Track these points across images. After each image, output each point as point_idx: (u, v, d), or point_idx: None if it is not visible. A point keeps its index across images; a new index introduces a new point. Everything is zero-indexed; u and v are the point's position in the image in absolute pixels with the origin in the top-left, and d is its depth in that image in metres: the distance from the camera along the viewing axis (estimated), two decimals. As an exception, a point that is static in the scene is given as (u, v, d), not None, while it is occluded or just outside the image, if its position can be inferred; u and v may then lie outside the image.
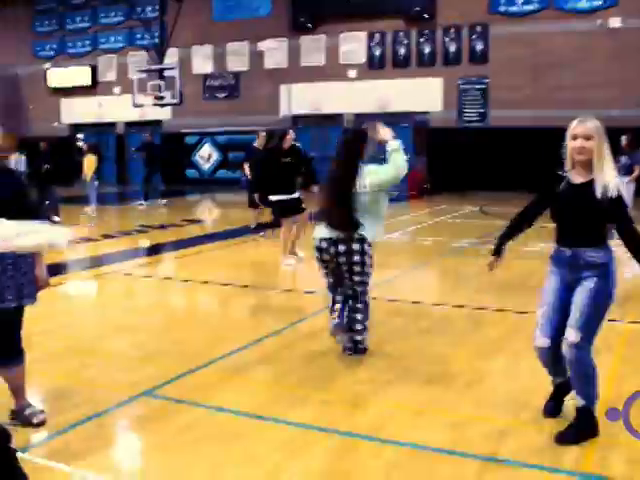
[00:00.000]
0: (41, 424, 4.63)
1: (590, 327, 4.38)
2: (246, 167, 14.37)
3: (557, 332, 4.51)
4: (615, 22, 23.33)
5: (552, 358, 4.60)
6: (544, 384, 4.91)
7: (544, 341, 4.55)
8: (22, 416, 4.66)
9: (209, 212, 21.50)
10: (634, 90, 22.67)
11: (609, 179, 4.30)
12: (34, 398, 4.94)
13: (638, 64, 22.70)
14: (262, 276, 10.35)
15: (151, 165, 21.92)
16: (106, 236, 14.36)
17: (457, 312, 8.06)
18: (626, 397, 4.70)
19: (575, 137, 4.33)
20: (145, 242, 14.27)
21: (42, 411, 4.73)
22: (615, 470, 4.06)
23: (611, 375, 5.66)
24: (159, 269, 11.28)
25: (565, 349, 4.40)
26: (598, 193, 4.27)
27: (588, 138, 4.29)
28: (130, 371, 5.85)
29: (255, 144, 14.38)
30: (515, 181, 22.35)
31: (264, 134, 13.85)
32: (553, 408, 4.82)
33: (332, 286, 6.35)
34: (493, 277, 10.13)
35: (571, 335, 4.36)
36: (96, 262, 11.62)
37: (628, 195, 13.73)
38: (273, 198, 10.75)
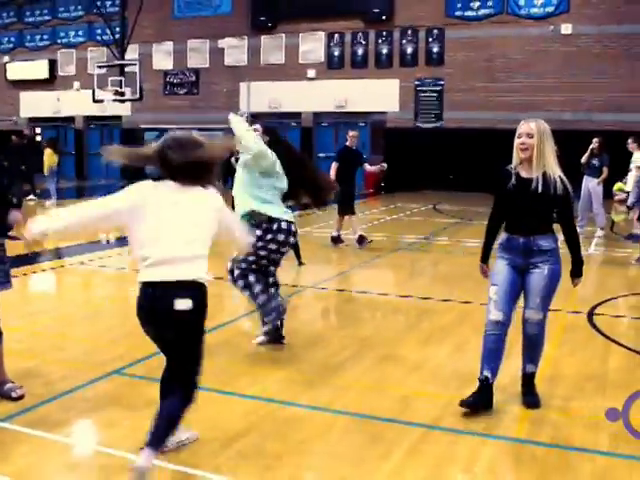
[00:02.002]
0: (20, 398, 4.97)
1: (546, 304, 5.01)
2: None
3: (509, 310, 4.98)
4: (567, 28, 24.08)
5: (500, 337, 4.96)
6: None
7: (498, 314, 4.94)
8: (2, 391, 5.00)
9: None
10: (585, 94, 23.45)
11: (553, 174, 4.83)
12: (10, 377, 5.27)
13: (589, 69, 23.49)
14: (222, 267, 10.70)
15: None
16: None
17: (407, 302, 8.55)
18: (563, 374, 5.24)
19: (520, 135, 4.88)
20: (106, 235, 14.51)
21: (21, 387, 5.07)
22: (544, 436, 4.55)
23: (548, 356, 6.18)
24: (120, 261, 11.57)
25: (528, 327, 5.00)
26: (544, 187, 4.79)
27: (530, 136, 4.81)
28: (99, 353, 6.20)
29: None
30: (468, 181, 23.03)
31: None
32: (471, 404, 4.87)
33: (271, 272, 6.52)
34: (441, 270, 10.69)
35: (534, 315, 4.96)
36: (59, 254, 11.87)
37: (597, 196, 14.31)
38: None
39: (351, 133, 12.90)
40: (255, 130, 6.31)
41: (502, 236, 5.13)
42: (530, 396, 5.07)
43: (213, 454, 4.22)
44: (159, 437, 3.73)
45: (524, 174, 4.91)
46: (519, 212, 4.94)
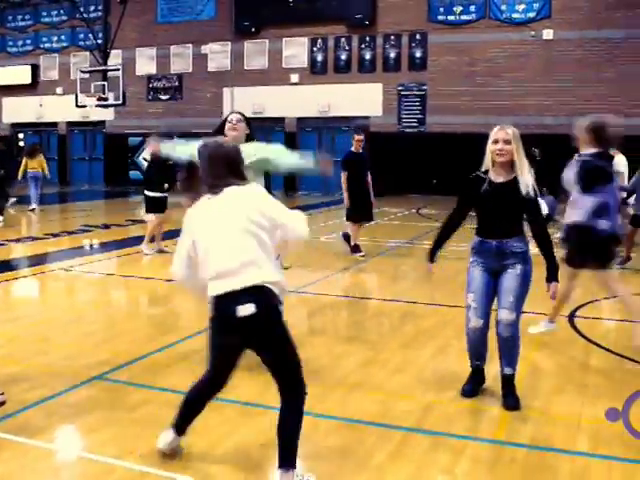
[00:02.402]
0: (1, 404, 4.96)
1: (520, 305, 5.08)
2: None
3: (487, 314, 5.16)
4: (548, 34, 24.26)
5: (482, 338, 5.21)
6: (468, 369, 5.43)
7: (479, 321, 5.14)
8: (-17, 397, 4.99)
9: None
10: (566, 99, 23.62)
11: (529, 179, 4.95)
12: (-8, 381, 5.28)
13: (570, 74, 23.67)
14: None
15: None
16: (50, 235, 14.55)
17: (390, 305, 8.59)
18: (544, 376, 5.29)
19: (496, 141, 4.97)
20: (89, 241, 14.49)
21: (2, 393, 5.05)
22: (524, 437, 4.59)
23: (528, 358, 6.23)
24: (104, 266, 11.54)
25: (502, 328, 5.04)
26: (523, 190, 4.90)
27: (507, 142, 4.91)
28: (82, 358, 6.19)
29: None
30: (451, 185, 23.07)
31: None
32: (471, 391, 5.33)
33: None
34: (424, 275, 10.71)
35: (507, 316, 5.02)
36: (41, 260, 11.84)
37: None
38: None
39: (357, 137, 12.28)
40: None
41: (474, 240, 5.21)
42: (510, 398, 5.13)
43: (195, 459, 4.23)
44: (289, 454, 3.79)
45: (498, 179, 5.00)
46: (493, 216, 5.03)
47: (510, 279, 5.02)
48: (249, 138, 6.12)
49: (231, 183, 3.86)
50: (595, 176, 6.51)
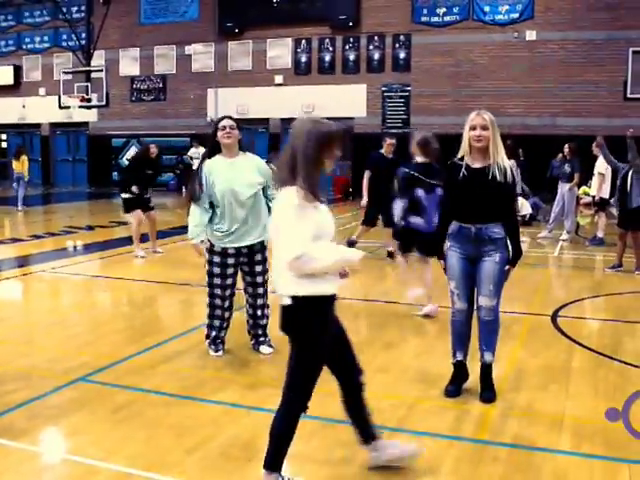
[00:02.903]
0: (-16, 406, 4.95)
1: (499, 291, 5.17)
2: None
3: (470, 299, 5.26)
4: (531, 35, 24.37)
5: (467, 322, 5.31)
6: (451, 368, 5.45)
7: (463, 304, 5.26)
8: (-35, 399, 4.98)
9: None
10: (549, 99, 23.75)
11: (506, 164, 5.05)
12: (-25, 384, 5.25)
13: (553, 74, 23.79)
14: (189, 274, 10.67)
15: None
16: (34, 236, 14.49)
17: (373, 306, 8.63)
18: (527, 375, 5.32)
19: (474, 127, 5.06)
20: (73, 242, 14.43)
21: (-16, 394, 5.05)
22: (507, 436, 4.62)
23: (512, 357, 6.27)
24: (88, 268, 11.50)
25: (484, 312, 5.13)
26: (498, 176, 4.98)
27: (485, 128, 5.00)
28: (65, 360, 6.17)
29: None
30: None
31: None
32: (454, 391, 5.35)
33: None
34: (409, 273, 10.71)
35: (488, 302, 5.11)
36: (25, 262, 11.80)
37: (569, 200, 14.46)
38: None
39: (388, 141, 12.13)
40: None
41: (452, 226, 5.25)
42: (487, 392, 5.21)
43: (180, 460, 4.22)
44: (269, 456, 3.85)
45: (475, 164, 5.08)
46: (472, 201, 5.08)
47: (489, 267, 5.10)
48: (239, 143, 6.16)
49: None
50: (409, 183, 7.81)
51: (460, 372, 5.40)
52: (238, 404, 5.15)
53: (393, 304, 8.59)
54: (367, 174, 11.86)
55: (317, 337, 3.72)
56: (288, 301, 3.66)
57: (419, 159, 7.96)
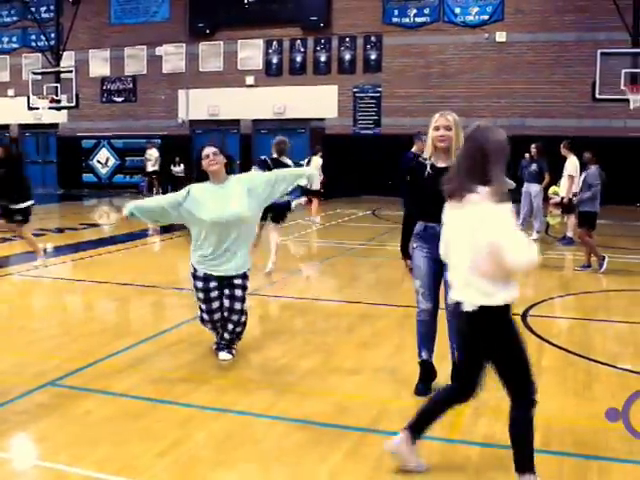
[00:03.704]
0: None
1: None
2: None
3: (435, 298, 5.29)
4: (501, 36, 24.57)
5: (432, 322, 5.33)
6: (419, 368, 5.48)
7: (428, 304, 5.28)
8: None
9: (107, 216, 21.48)
10: (519, 100, 23.97)
11: None
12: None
13: (522, 76, 24.02)
14: (160, 276, 10.62)
15: None
16: (3, 239, 14.30)
17: (346, 307, 8.62)
18: (496, 374, 5.30)
19: (437, 128, 5.07)
20: (43, 245, 14.28)
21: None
22: (478, 436, 4.64)
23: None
24: (57, 271, 11.39)
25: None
26: None
27: (448, 129, 5.04)
28: (35, 364, 6.10)
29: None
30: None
31: None
32: (423, 389, 5.35)
33: None
34: (381, 275, 10.77)
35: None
36: (-7, 264, 11.66)
37: (538, 201, 14.59)
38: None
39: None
40: None
41: (418, 226, 5.28)
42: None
43: (150, 464, 4.19)
44: (521, 459, 3.84)
45: (440, 164, 5.11)
46: (437, 200, 5.04)
47: None
48: (227, 167, 6.13)
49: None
50: None
51: (427, 371, 5.42)
52: (210, 407, 5.12)
53: (366, 305, 8.60)
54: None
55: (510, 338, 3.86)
56: (475, 309, 3.78)
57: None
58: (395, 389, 5.53)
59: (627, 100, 22.59)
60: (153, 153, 26.89)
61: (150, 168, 26.92)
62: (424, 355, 5.41)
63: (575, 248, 13.20)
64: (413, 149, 11.81)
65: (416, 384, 5.42)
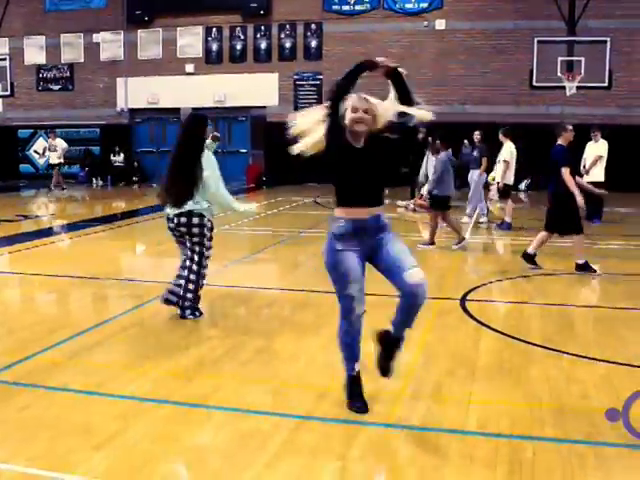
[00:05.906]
0: None
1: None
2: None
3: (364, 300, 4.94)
4: (441, 24, 24.77)
5: (360, 328, 4.91)
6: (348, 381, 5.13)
7: (361, 308, 4.86)
8: None
9: (46, 207, 21.07)
10: (459, 87, 24.22)
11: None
12: None
13: (462, 63, 24.28)
14: (99, 267, 10.46)
15: None
16: None
17: (284, 295, 8.62)
18: (435, 359, 5.37)
19: (356, 110, 4.93)
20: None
21: None
22: (416, 419, 4.68)
23: (421, 342, 6.36)
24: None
25: (422, 291, 4.57)
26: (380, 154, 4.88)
27: (366, 111, 4.95)
28: (-34, 359, 5.96)
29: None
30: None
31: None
32: (365, 404, 4.86)
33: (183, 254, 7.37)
34: (320, 263, 10.77)
35: (419, 274, 4.58)
36: None
37: (476, 186, 14.94)
38: None
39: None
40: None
41: (340, 223, 5.03)
42: (392, 362, 4.88)
43: (85, 458, 4.12)
44: None
45: (357, 144, 4.91)
46: (358, 185, 4.89)
47: (396, 244, 4.80)
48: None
49: None
50: None
51: (359, 383, 4.95)
52: (148, 398, 5.06)
53: (306, 292, 8.60)
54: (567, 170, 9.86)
55: None
56: None
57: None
58: (331, 376, 5.44)
59: (564, 87, 23.06)
60: (58, 143, 24.80)
61: (55, 160, 24.80)
62: (357, 368, 4.94)
63: (513, 233, 13.42)
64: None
65: (354, 402, 4.87)
